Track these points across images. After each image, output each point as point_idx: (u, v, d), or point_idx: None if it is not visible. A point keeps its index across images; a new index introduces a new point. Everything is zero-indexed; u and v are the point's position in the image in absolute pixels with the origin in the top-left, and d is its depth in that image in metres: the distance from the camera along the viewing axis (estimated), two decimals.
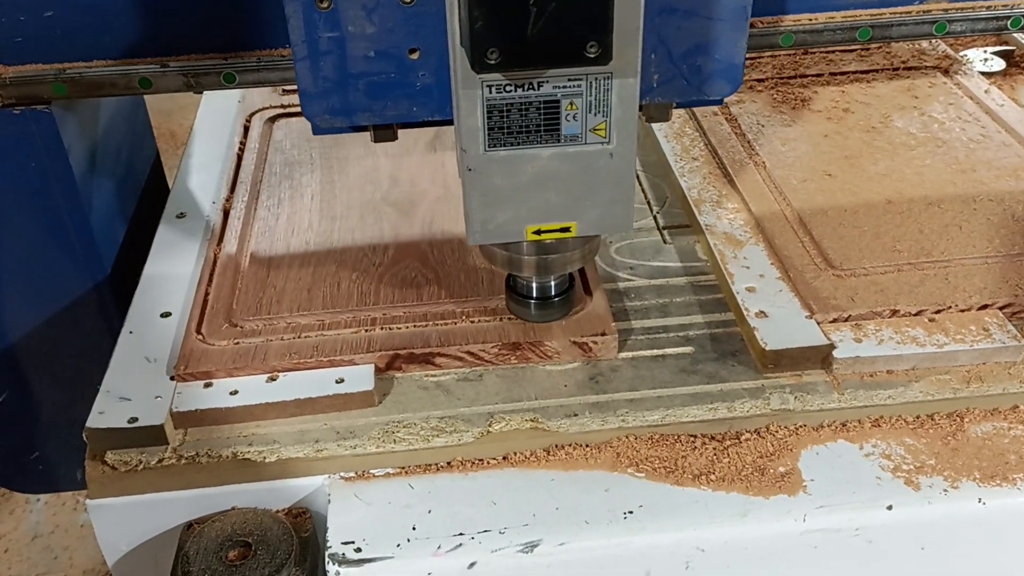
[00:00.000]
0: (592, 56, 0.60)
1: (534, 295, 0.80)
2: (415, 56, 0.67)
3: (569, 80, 0.64)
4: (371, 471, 0.75)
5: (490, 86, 0.64)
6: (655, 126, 1.12)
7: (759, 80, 1.20)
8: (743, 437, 0.76)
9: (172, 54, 0.83)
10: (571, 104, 0.65)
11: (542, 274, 0.78)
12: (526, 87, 0.64)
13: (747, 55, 0.71)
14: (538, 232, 0.72)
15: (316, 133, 0.73)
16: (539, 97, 0.65)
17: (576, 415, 0.76)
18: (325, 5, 0.64)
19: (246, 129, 1.14)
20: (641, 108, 0.71)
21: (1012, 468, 0.73)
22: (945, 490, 0.72)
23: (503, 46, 0.59)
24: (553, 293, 0.80)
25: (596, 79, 0.64)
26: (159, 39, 0.82)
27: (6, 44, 0.80)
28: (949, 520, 0.73)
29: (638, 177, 1.07)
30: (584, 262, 0.79)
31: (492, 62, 0.60)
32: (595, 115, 0.66)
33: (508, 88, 0.64)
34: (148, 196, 1.12)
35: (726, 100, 1.16)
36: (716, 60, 0.69)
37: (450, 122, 0.69)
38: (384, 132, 0.72)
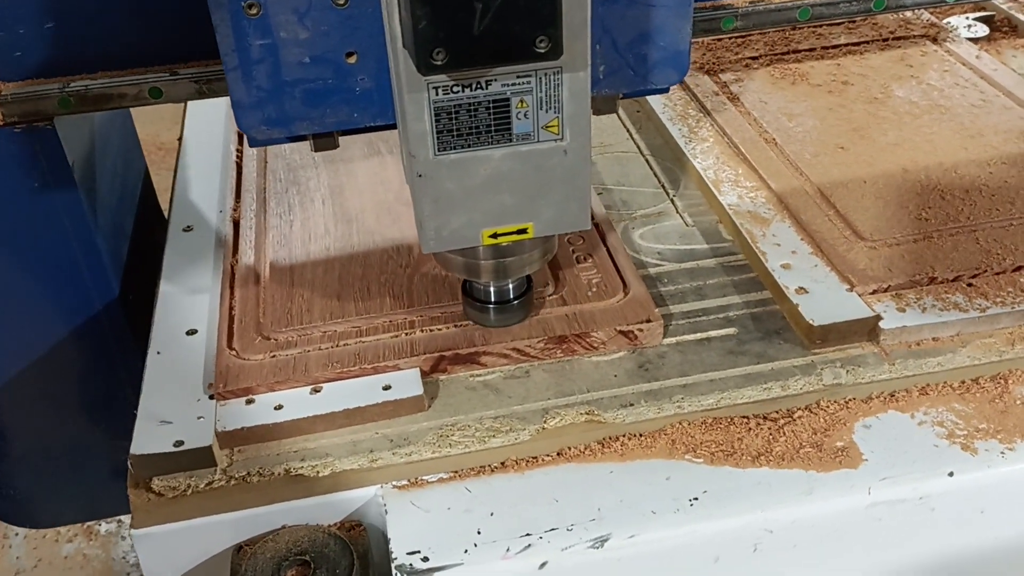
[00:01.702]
0: (542, 51, 0.58)
1: (492, 299, 0.78)
2: (353, 60, 0.64)
3: (518, 77, 0.62)
4: (424, 477, 0.73)
5: (436, 88, 0.62)
6: (658, 109, 1.11)
7: (753, 58, 1.20)
8: (796, 415, 0.76)
9: (181, 61, 0.79)
10: (521, 102, 0.63)
11: (500, 278, 0.76)
12: (474, 87, 0.62)
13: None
14: (494, 236, 0.69)
15: (253, 146, 0.70)
16: (488, 96, 0.63)
17: (632, 404, 0.75)
18: (254, 11, 0.61)
19: (240, 136, 1.10)
20: None
21: None
22: (1002, 452, 0.73)
23: (449, 45, 0.57)
24: (512, 296, 0.78)
25: (546, 75, 0.62)
26: (167, 46, 0.79)
27: (5, 59, 0.76)
28: (1008, 482, 0.73)
29: (648, 162, 1.07)
30: (543, 263, 0.77)
31: (438, 63, 0.58)
32: (547, 112, 0.64)
33: (455, 89, 0.62)
34: (143, 210, 1.08)
35: (725, 79, 1.16)
36: (661, 48, 0.68)
37: (394, 127, 0.67)
38: (325, 141, 0.69)
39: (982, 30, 1.26)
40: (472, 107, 0.63)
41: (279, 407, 0.74)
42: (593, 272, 0.85)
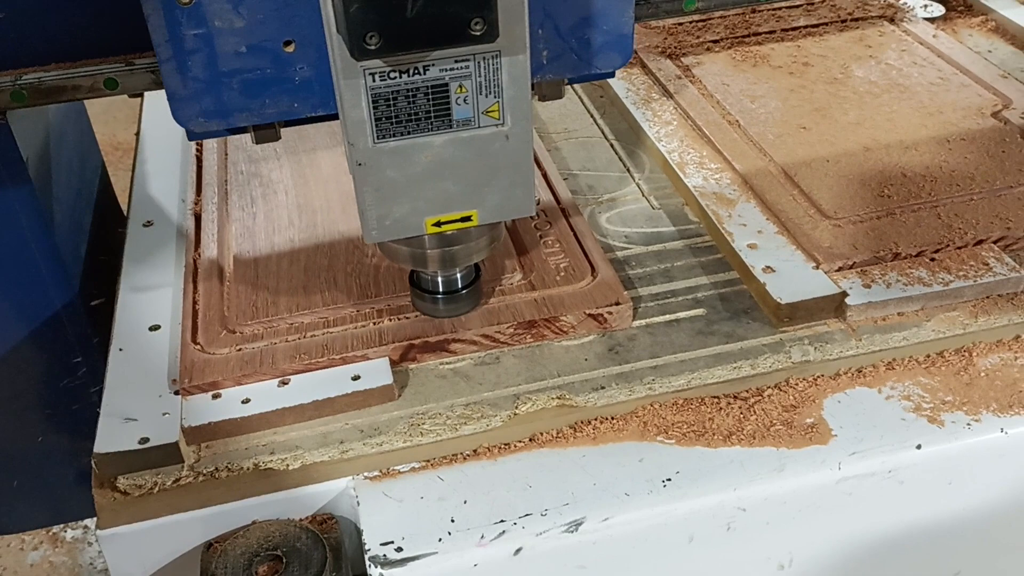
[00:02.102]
0: (477, 34, 0.58)
1: (440, 289, 0.77)
2: (291, 49, 0.63)
3: (456, 61, 0.61)
4: (395, 467, 0.72)
5: (373, 74, 0.61)
6: (621, 94, 1.11)
7: (714, 41, 1.20)
8: (765, 393, 0.76)
9: (136, 51, 0.77)
10: (460, 87, 0.63)
11: (448, 267, 0.75)
12: (411, 72, 0.61)
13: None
14: (438, 224, 0.69)
15: (192, 139, 0.69)
16: (426, 82, 0.62)
17: (603, 388, 0.75)
18: (187, 1, 0.60)
19: None
20: (532, 87, 0.68)
21: None
22: (968, 424, 0.74)
23: (382, 29, 0.56)
24: (460, 286, 0.77)
25: (484, 59, 0.62)
26: (121, 37, 0.77)
27: None
28: (974, 453, 0.74)
29: (612, 146, 1.06)
30: (490, 251, 0.76)
31: (372, 47, 0.57)
32: (487, 96, 0.63)
33: (392, 75, 0.61)
34: (101, 206, 1.06)
35: (687, 63, 1.16)
36: (605, 32, 0.67)
37: (336, 116, 0.65)
38: (266, 132, 0.68)
39: (938, 9, 1.28)
40: (410, 93, 0.62)
41: (246, 400, 0.73)
42: (561, 256, 0.84)
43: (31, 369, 0.97)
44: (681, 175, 0.96)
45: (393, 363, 0.76)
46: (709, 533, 0.72)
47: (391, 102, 0.62)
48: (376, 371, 0.75)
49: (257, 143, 0.68)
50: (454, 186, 0.67)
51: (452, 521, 0.69)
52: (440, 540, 0.67)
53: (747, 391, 0.76)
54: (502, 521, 0.68)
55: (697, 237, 0.91)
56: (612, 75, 0.71)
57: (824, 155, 0.96)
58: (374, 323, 0.78)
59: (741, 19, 1.24)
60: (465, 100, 0.63)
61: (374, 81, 0.61)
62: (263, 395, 0.73)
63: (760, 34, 1.21)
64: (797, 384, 0.77)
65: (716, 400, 0.76)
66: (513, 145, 0.66)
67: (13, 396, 0.99)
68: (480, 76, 0.62)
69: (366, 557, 0.67)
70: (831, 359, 0.78)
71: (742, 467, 0.71)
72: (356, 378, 0.74)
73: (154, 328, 0.80)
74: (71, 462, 1.06)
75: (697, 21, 1.24)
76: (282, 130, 0.70)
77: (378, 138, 0.63)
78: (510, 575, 0.68)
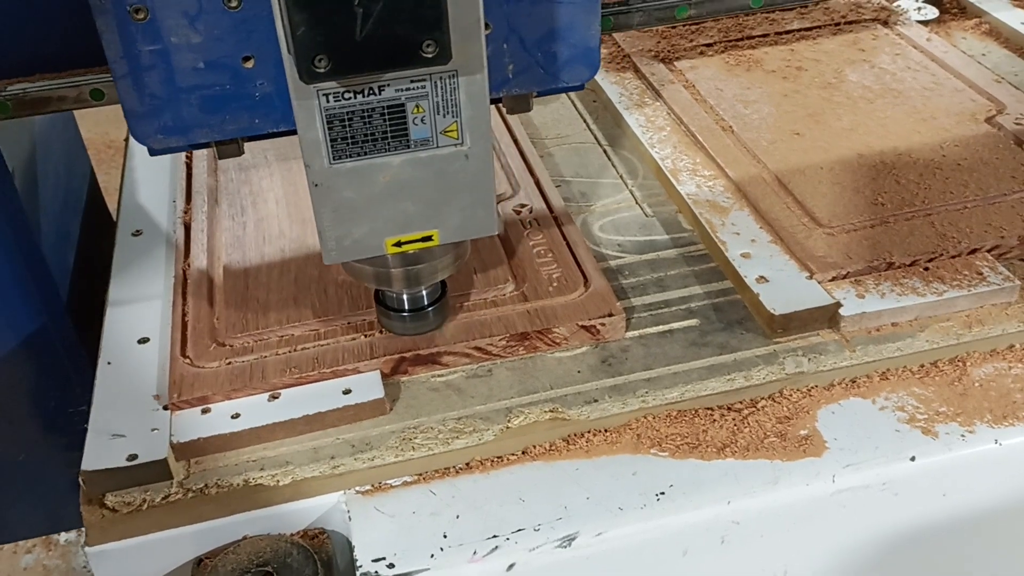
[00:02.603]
0: (430, 56, 0.57)
1: (406, 307, 0.76)
2: (250, 64, 0.62)
3: (412, 82, 0.61)
4: (387, 482, 0.72)
5: (327, 95, 0.60)
6: (614, 99, 1.10)
7: (707, 45, 1.20)
8: (759, 404, 0.76)
9: None
10: (417, 107, 0.62)
11: (412, 285, 0.74)
12: (366, 93, 0.60)
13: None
14: (398, 244, 0.68)
15: (153, 155, 0.67)
16: (381, 102, 0.61)
17: (596, 400, 0.75)
18: (141, 16, 0.58)
19: None
20: (500, 101, 0.68)
21: (1021, 406, 0.75)
22: (962, 435, 0.73)
23: (331, 52, 0.55)
24: (426, 303, 0.76)
25: (441, 79, 0.61)
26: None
27: None
28: (968, 464, 0.74)
29: (606, 152, 1.06)
30: (455, 268, 0.75)
31: (321, 70, 0.56)
32: (444, 117, 0.63)
33: (347, 95, 0.60)
34: (89, 215, 1.05)
35: (680, 67, 1.15)
36: (571, 45, 0.67)
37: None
38: (228, 148, 0.67)
39: (932, 12, 1.27)
40: (366, 114, 0.61)
41: (236, 415, 0.72)
42: (553, 267, 0.84)
43: (21, 380, 0.97)
44: (674, 182, 0.95)
45: (384, 376, 0.76)
46: (703, 546, 0.71)
47: (346, 123, 0.61)
48: (367, 385, 0.74)
49: (220, 159, 0.67)
50: (414, 206, 0.66)
51: (444, 536, 0.68)
52: (432, 556, 0.67)
53: (741, 403, 0.76)
54: (495, 536, 0.68)
55: (691, 245, 0.90)
56: (582, 87, 0.71)
57: (818, 162, 0.95)
58: (365, 335, 0.77)
59: (735, 22, 1.24)
60: (422, 120, 0.62)
61: (328, 102, 0.60)
62: (253, 410, 0.72)
63: (754, 37, 1.20)
64: (791, 395, 0.77)
65: (710, 412, 0.76)
66: (473, 165, 0.65)
67: (5, 406, 0.98)
68: (437, 96, 0.61)
69: (358, 573, 0.66)
70: (825, 370, 0.77)
71: (736, 479, 0.71)
72: (347, 392, 0.73)
73: (143, 341, 0.80)
74: (65, 472, 1.06)
75: (690, 24, 1.24)
76: (273, 138, 0.69)
77: (334, 159, 0.62)
78: None
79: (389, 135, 0.62)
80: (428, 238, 0.68)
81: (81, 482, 0.69)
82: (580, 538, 0.68)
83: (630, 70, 1.16)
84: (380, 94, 0.60)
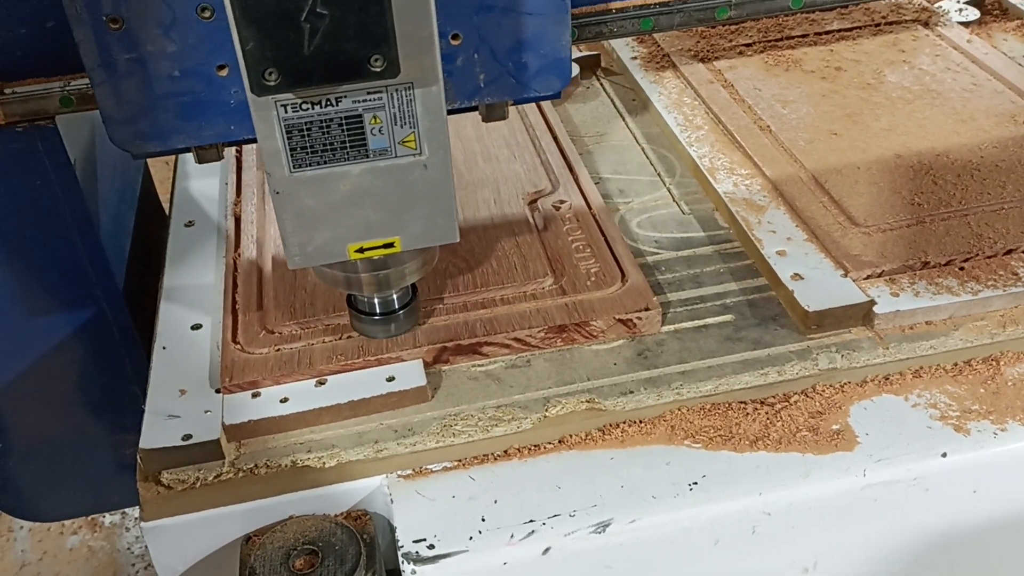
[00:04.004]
0: (378, 70, 0.57)
1: (378, 311, 0.77)
2: (224, 73, 0.63)
3: (368, 93, 0.61)
4: (428, 467, 0.74)
5: (284, 105, 0.61)
6: (653, 98, 1.12)
7: (747, 45, 1.21)
8: (792, 399, 0.77)
9: None
10: (375, 118, 0.63)
11: (383, 289, 0.76)
12: (324, 104, 0.61)
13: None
14: (361, 250, 0.69)
15: (135, 159, 0.69)
16: (339, 113, 0.62)
17: (631, 392, 0.77)
18: (117, 26, 0.60)
19: None
20: (475, 108, 0.69)
21: None
22: (994, 433, 0.74)
23: (280, 66, 0.56)
24: (397, 307, 0.77)
25: (397, 91, 0.62)
26: None
27: (7, 59, 0.76)
28: (1000, 462, 0.75)
29: (643, 150, 1.08)
30: (424, 272, 0.76)
31: (271, 83, 0.57)
32: (402, 127, 0.63)
33: (304, 106, 0.61)
34: (143, 206, 1.09)
35: (719, 67, 1.17)
36: (542, 56, 0.68)
37: None
38: (207, 152, 0.68)
39: (973, 14, 1.27)
40: (324, 124, 0.62)
41: (285, 400, 0.75)
42: (592, 262, 0.86)
43: (76, 363, 1.00)
44: (712, 180, 0.96)
45: (426, 365, 0.78)
46: (734, 537, 0.73)
47: (305, 133, 0.62)
48: (410, 373, 0.77)
49: (200, 163, 0.69)
50: (374, 214, 0.67)
51: (483, 520, 0.70)
52: (471, 538, 0.69)
53: (774, 397, 0.77)
54: (531, 521, 0.70)
55: (727, 243, 0.92)
56: (558, 95, 0.71)
57: (855, 162, 0.96)
58: None
59: (774, 23, 1.24)
60: (380, 131, 0.63)
61: (286, 112, 0.61)
62: (301, 395, 0.75)
63: (793, 38, 1.21)
64: (824, 391, 0.78)
65: (743, 405, 0.77)
66: (432, 174, 0.66)
67: (58, 390, 1.02)
68: (394, 107, 0.62)
69: (399, 553, 0.69)
70: (858, 366, 0.78)
71: (768, 472, 0.72)
72: (391, 379, 0.76)
73: (196, 327, 0.83)
74: (111, 453, 1.10)
75: (730, 25, 1.24)
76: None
77: (294, 167, 0.63)
78: (538, 574, 0.70)
79: (348, 145, 0.63)
80: (390, 244, 0.69)
81: (139, 460, 0.72)
82: (614, 525, 0.70)
83: (669, 69, 1.18)
84: (337, 105, 0.61)
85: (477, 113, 0.71)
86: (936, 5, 1.29)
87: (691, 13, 0.88)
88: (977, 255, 0.83)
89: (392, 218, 0.67)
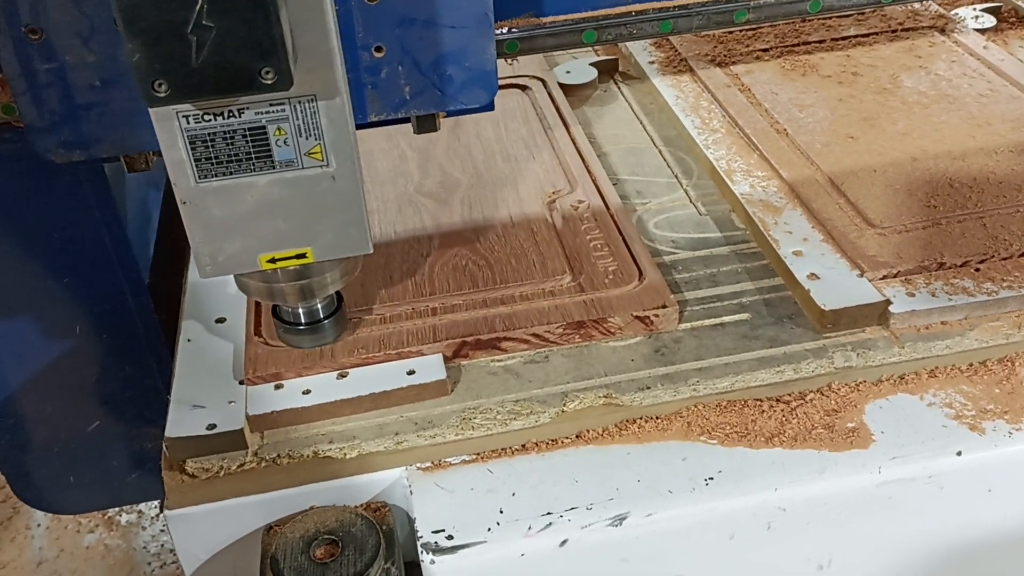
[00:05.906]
0: (269, 83, 0.56)
1: (303, 320, 0.77)
2: None
3: (271, 105, 0.60)
4: (447, 459, 0.76)
5: (186, 116, 0.60)
6: (671, 101, 1.13)
7: (764, 50, 1.22)
8: (808, 397, 0.78)
9: None
10: (279, 130, 0.62)
11: (307, 298, 0.75)
12: (226, 115, 0.60)
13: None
14: (272, 261, 0.68)
15: (63, 168, 0.69)
16: (243, 124, 0.61)
17: (648, 388, 0.77)
18: (36, 36, 0.60)
19: None
20: (405, 120, 0.69)
21: None
22: (1009, 432, 0.75)
23: (169, 78, 0.55)
24: (322, 316, 0.77)
25: (300, 103, 0.61)
26: None
27: None
28: (1014, 461, 0.75)
29: (661, 153, 1.09)
30: (345, 282, 0.75)
31: (161, 95, 0.56)
32: (307, 139, 0.62)
33: (206, 117, 0.60)
34: (168, 202, 1.11)
35: (736, 71, 1.18)
36: (467, 69, 0.67)
37: None
38: (136, 161, 0.68)
39: (989, 21, 1.28)
40: (228, 135, 0.61)
41: (307, 392, 0.76)
42: (610, 260, 0.87)
43: (98, 355, 1.02)
44: (728, 182, 0.97)
45: (446, 359, 0.79)
46: (750, 532, 0.74)
47: (209, 143, 0.62)
48: (430, 367, 0.78)
49: (130, 172, 0.69)
50: (285, 224, 0.66)
51: (501, 512, 0.71)
52: (489, 530, 0.70)
53: (789, 395, 0.78)
54: (549, 513, 0.71)
55: (743, 243, 0.93)
56: (488, 108, 0.71)
57: (871, 164, 0.97)
58: (428, 320, 0.81)
59: (791, 27, 1.25)
60: (285, 142, 0.63)
61: (188, 123, 0.61)
62: (323, 387, 0.77)
63: (810, 43, 1.22)
64: (839, 389, 0.79)
65: (759, 403, 0.78)
66: (340, 185, 0.65)
67: (81, 383, 1.04)
68: (298, 119, 0.62)
69: (418, 544, 0.70)
70: (873, 365, 0.79)
71: (783, 468, 0.73)
72: (411, 373, 0.77)
73: (220, 320, 0.84)
74: (130, 448, 1.11)
75: (747, 30, 1.26)
76: None
77: (200, 178, 0.63)
78: (556, 565, 0.71)
79: (253, 156, 0.63)
80: (302, 255, 0.68)
81: (164, 448, 0.74)
82: (631, 518, 0.71)
83: (687, 73, 1.19)
84: (240, 116, 0.61)
85: (496, 113, 0.71)
86: (952, 12, 1.30)
87: (710, 16, 0.89)
88: (993, 256, 0.84)
89: (303, 229, 0.66)
